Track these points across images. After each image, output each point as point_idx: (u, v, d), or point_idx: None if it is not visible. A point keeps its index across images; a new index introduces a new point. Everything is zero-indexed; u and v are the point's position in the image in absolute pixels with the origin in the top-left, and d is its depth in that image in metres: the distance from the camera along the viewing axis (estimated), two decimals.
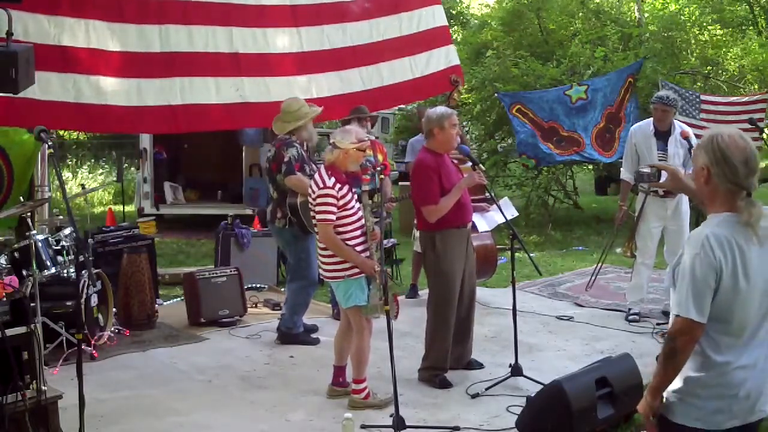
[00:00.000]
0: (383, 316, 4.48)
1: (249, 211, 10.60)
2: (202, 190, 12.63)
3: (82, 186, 10.87)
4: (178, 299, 7.37)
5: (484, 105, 12.22)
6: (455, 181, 5.05)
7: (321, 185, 4.55)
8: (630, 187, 6.75)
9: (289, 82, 6.90)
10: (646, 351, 5.44)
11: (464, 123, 12.56)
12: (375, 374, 5.02)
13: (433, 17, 7.94)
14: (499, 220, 5.84)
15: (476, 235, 5.89)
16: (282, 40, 7.00)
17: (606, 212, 13.08)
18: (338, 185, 4.55)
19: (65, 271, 5.66)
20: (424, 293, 6.50)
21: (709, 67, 13.92)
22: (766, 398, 2.54)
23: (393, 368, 4.34)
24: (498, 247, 7.35)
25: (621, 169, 6.78)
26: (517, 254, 5.23)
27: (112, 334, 5.98)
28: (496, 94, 10.71)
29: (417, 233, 6.15)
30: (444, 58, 7.91)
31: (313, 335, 6.16)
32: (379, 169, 5.26)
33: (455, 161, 5.37)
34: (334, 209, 4.52)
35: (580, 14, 15.83)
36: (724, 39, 16.30)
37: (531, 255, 5.68)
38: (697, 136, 5.48)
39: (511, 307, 5.19)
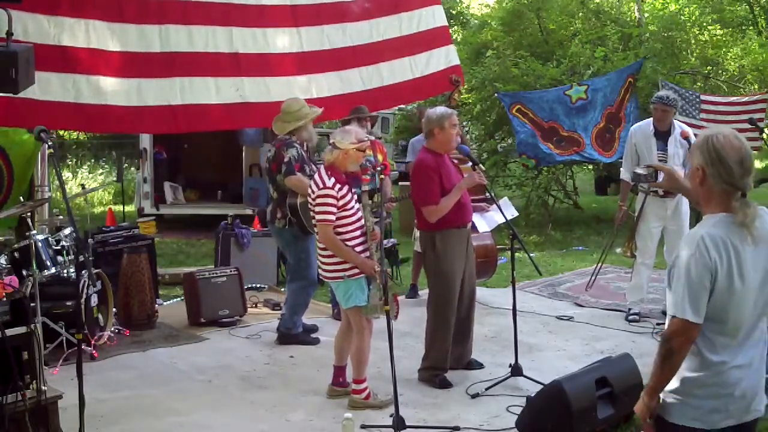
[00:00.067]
0: (383, 316, 4.49)
1: (249, 211, 10.59)
2: (202, 190, 12.62)
3: (82, 186, 10.84)
4: (178, 299, 7.37)
5: (484, 105, 12.22)
6: (455, 181, 5.05)
7: (321, 185, 4.55)
8: (630, 187, 6.75)
9: (289, 82, 6.90)
10: (646, 351, 5.42)
11: (464, 123, 12.55)
12: (375, 374, 5.02)
13: (433, 17, 7.94)
14: (499, 220, 5.84)
15: (476, 235, 5.89)
16: (282, 40, 7.00)
17: (606, 212, 13.07)
18: (338, 185, 4.55)
19: (65, 271, 5.66)
20: (424, 293, 6.50)
21: (709, 67, 13.94)
22: (761, 398, 2.56)
23: (393, 368, 4.34)
24: (498, 247, 7.35)
25: (621, 169, 6.79)
26: (517, 254, 5.24)
27: (112, 334, 5.98)
28: (496, 94, 10.71)
29: (417, 233, 6.15)
30: (444, 58, 7.91)
31: (313, 335, 6.16)
32: (379, 169, 5.26)
33: (455, 161, 5.37)
34: (334, 209, 4.52)
35: (580, 14, 15.82)
36: (724, 39, 16.32)
37: (531, 255, 5.68)
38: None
39: (511, 307, 5.19)
